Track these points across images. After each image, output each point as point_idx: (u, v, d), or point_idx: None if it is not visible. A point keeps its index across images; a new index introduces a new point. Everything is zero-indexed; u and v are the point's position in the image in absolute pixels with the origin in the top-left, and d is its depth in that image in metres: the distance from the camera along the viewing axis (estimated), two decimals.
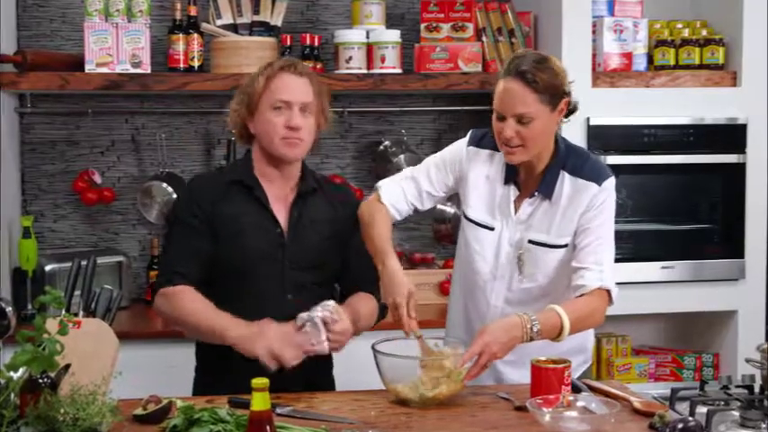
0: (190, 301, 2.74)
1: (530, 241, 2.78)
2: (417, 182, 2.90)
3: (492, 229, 2.82)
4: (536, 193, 2.77)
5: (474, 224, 2.86)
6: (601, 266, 2.71)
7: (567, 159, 2.78)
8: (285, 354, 2.62)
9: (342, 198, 3.00)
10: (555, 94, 2.66)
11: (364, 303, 2.88)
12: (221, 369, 2.77)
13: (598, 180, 2.75)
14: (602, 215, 2.75)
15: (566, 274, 2.77)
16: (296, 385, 2.69)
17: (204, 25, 4.07)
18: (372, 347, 2.63)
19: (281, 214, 2.86)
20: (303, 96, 2.80)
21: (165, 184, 4.19)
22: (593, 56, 4.05)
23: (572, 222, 2.75)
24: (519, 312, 2.61)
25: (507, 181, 2.81)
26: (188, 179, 4.26)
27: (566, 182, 2.76)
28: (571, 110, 2.76)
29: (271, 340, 2.62)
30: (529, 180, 2.80)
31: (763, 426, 2.39)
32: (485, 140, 2.85)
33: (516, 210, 2.81)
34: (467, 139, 2.89)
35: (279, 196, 2.87)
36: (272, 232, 2.83)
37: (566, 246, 2.77)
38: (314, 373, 2.82)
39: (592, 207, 2.74)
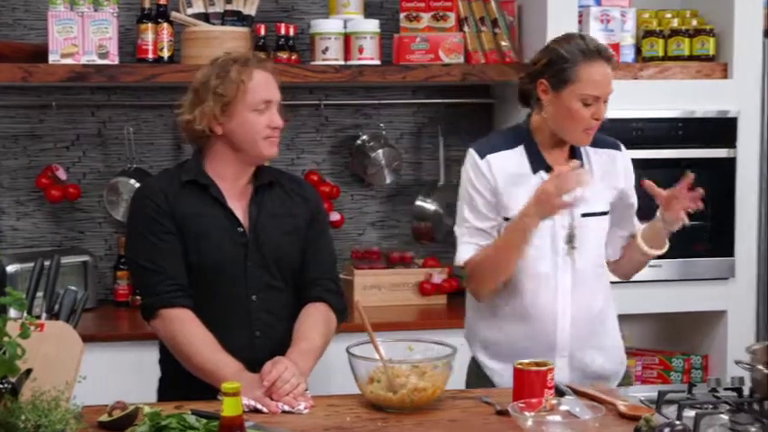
0: (191, 335, 2.71)
1: (582, 215, 2.85)
2: (482, 229, 2.87)
3: None
4: None
5: None
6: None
7: None
8: (271, 406, 2.56)
9: (299, 191, 2.95)
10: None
11: (313, 328, 2.80)
12: (188, 377, 2.73)
13: (617, 146, 2.98)
14: (632, 177, 3.00)
15: (604, 242, 2.94)
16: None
17: (174, 14, 4.01)
18: (347, 351, 2.59)
19: (240, 212, 2.82)
20: (277, 94, 2.82)
21: (132, 181, 4.11)
22: None
23: (610, 189, 2.92)
24: (587, 299, 2.85)
25: (536, 170, 2.85)
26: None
27: (590, 153, 2.92)
28: None
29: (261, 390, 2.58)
30: (555, 161, 2.86)
31: (753, 429, 2.39)
32: (491, 146, 2.89)
33: None
34: (473, 156, 2.88)
35: (234, 193, 2.83)
36: (234, 231, 2.80)
37: (607, 212, 2.92)
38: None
39: (627, 171, 2.97)
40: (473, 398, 2.62)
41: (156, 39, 3.95)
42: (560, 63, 2.77)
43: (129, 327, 3.86)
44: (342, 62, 4.02)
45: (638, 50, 4.13)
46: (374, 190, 4.44)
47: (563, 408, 2.40)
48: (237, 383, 2.02)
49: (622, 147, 2.99)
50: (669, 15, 4.18)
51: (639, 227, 2.97)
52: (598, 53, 2.77)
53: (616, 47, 4.01)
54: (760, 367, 2.48)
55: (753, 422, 2.39)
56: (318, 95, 4.33)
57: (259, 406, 2.52)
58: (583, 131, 2.81)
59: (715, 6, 4.12)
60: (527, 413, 2.34)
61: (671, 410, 2.50)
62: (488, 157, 2.85)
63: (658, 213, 2.85)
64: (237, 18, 4.04)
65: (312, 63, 4.05)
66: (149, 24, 3.95)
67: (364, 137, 4.38)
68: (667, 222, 2.83)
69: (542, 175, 2.82)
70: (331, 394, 2.69)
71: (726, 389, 2.61)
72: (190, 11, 4.03)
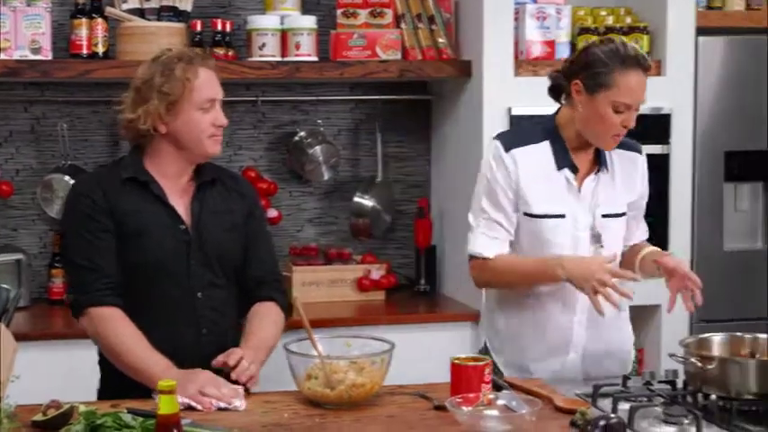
0: (121, 335, 2.68)
1: (603, 216, 2.87)
2: (498, 221, 2.87)
3: (563, 216, 2.83)
4: (598, 169, 2.88)
5: (542, 218, 2.85)
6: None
7: None
8: (205, 403, 2.55)
9: (236, 187, 2.93)
10: None
11: (266, 325, 2.82)
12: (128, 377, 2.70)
13: (638, 149, 2.99)
14: (647, 181, 3.02)
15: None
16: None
17: (109, 9, 3.96)
18: (285, 347, 2.58)
19: (182, 209, 2.79)
20: (221, 91, 2.81)
21: (67, 177, 4.06)
22: (516, 44, 4.01)
23: (631, 191, 2.94)
24: None
25: (561, 167, 2.85)
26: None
27: (613, 155, 2.91)
28: None
29: (200, 383, 2.55)
30: (581, 161, 2.88)
31: (686, 421, 2.40)
32: (517, 139, 2.89)
33: (579, 190, 2.87)
34: (498, 147, 2.87)
35: (176, 191, 2.80)
36: (176, 229, 2.77)
37: (626, 213, 2.94)
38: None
39: (644, 175, 2.99)
40: (411, 393, 2.62)
41: (90, 34, 3.91)
42: (598, 67, 2.75)
43: (63, 325, 3.80)
44: (279, 58, 4.00)
45: (574, 47, 4.11)
46: (312, 186, 4.43)
47: (500, 402, 2.41)
48: (173, 381, 2.00)
49: (642, 149, 3.00)
50: (604, 13, 4.19)
51: (642, 238, 3.01)
52: (636, 61, 2.75)
53: (551, 44, 4.04)
54: (693, 360, 2.51)
55: (686, 414, 2.41)
56: (255, 92, 4.30)
57: (193, 403, 2.50)
58: (611, 137, 2.80)
59: (649, 4, 4.15)
60: (465, 408, 2.35)
61: (606, 403, 2.51)
62: (513, 151, 2.84)
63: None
64: (173, 14, 4.01)
65: (249, 59, 4.03)
66: (83, 19, 3.91)
67: (302, 133, 4.35)
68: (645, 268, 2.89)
69: (566, 173, 2.84)
70: (268, 391, 2.68)
71: (660, 382, 2.64)
72: (125, 6, 3.99)
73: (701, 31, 4.13)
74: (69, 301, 2.79)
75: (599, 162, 2.88)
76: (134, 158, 2.81)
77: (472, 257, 2.90)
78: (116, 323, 2.68)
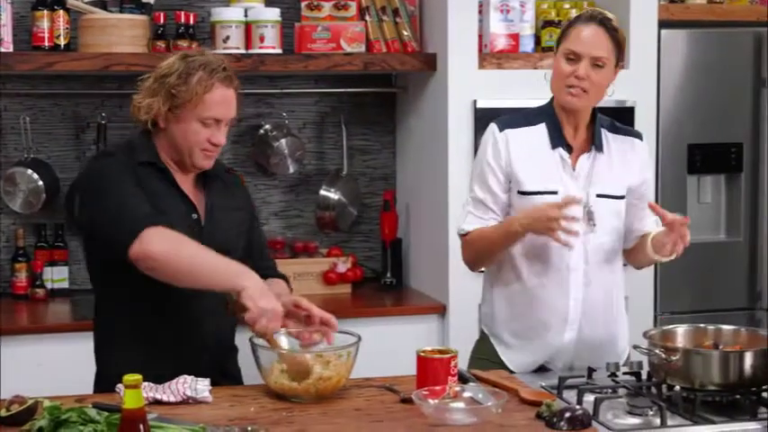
0: (195, 246, 2.58)
1: (597, 195, 2.88)
2: (485, 202, 2.90)
3: (555, 192, 2.83)
4: (592, 148, 2.90)
5: (533, 195, 2.86)
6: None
7: (602, 119, 2.96)
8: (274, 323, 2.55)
9: (235, 185, 2.95)
10: (621, 51, 2.86)
11: (284, 287, 2.89)
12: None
13: (638, 135, 3.02)
14: (649, 169, 3.06)
15: (622, 226, 2.95)
16: (211, 370, 2.64)
17: (70, 1, 3.93)
18: (250, 340, 2.57)
19: (194, 199, 2.77)
20: (232, 112, 2.75)
21: (30, 171, 4.03)
22: (480, 37, 4.03)
23: (629, 175, 2.94)
24: (600, 275, 2.88)
25: (555, 146, 2.88)
26: (55, 165, 4.16)
27: (609, 138, 2.94)
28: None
29: (278, 308, 2.55)
30: (575, 141, 2.90)
31: (651, 412, 2.41)
32: (514, 121, 2.93)
33: (573, 168, 2.89)
34: (494, 129, 2.91)
35: (183, 179, 2.77)
36: (189, 217, 2.74)
37: (624, 197, 2.93)
38: (225, 359, 2.84)
39: (644, 161, 3.01)
40: (378, 386, 2.62)
41: (52, 26, 3.87)
42: (563, 27, 2.90)
43: (27, 320, 3.79)
44: (243, 51, 3.99)
45: (538, 40, 4.16)
46: (277, 179, 4.42)
47: (466, 394, 2.42)
48: (138, 376, 1.97)
49: (643, 137, 3.02)
50: (567, 6, 4.21)
51: (653, 227, 2.94)
52: (590, 15, 2.84)
53: (516, 37, 4.05)
54: (657, 352, 2.52)
55: (650, 405, 2.43)
56: None
57: (159, 396, 2.48)
58: (565, 90, 2.82)
59: None
60: (431, 400, 2.35)
61: (571, 395, 2.53)
62: (507, 131, 2.89)
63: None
64: (135, 5, 3.99)
65: (213, 52, 3.97)
66: (45, 11, 3.87)
67: (267, 126, 4.35)
68: (659, 248, 2.85)
69: (561, 152, 2.86)
70: (235, 384, 2.68)
71: (624, 373, 2.65)
72: None
73: (664, 24, 4.17)
74: (118, 239, 2.58)
75: (593, 142, 2.90)
76: (147, 143, 2.76)
77: (460, 236, 2.94)
78: (183, 237, 2.59)
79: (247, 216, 2.92)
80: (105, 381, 2.74)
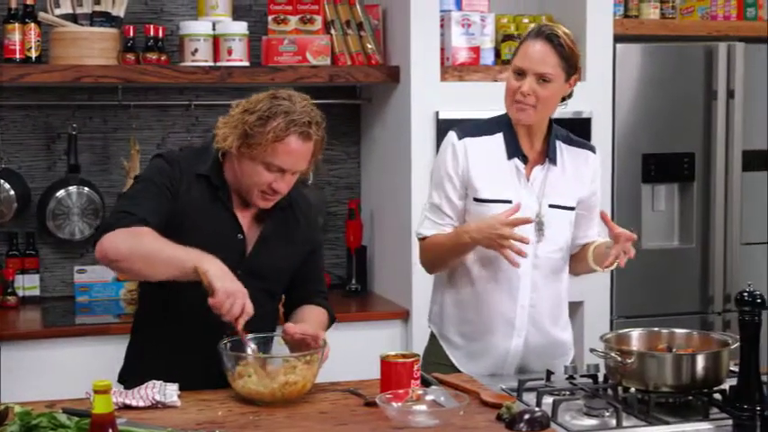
0: (154, 238, 2.56)
1: (549, 205, 2.91)
2: (441, 208, 2.94)
3: (509, 201, 2.86)
4: (546, 160, 2.92)
5: (488, 203, 2.90)
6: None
7: (558, 131, 2.98)
8: (239, 304, 2.52)
9: (306, 215, 2.93)
10: (572, 65, 2.86)
11: (317, 314, 2.87)
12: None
13: (591, 149, 3.05)
14: (599, 182, 3.06)
15: (570, 236, 2.98)
16: (208, 369, 2.65)
17: (42, 14, 3.96)
18: (218, 346, 2.58)
19: (244, 220, 2.78)
20: (301, 165, 2.72)
21: (1, 181, 4.04)
22: (442, 50, 4.07)
23: (581, 186, 2.97)
24: (547, 283, 2.92)
25: (511, 156, 2.91)
26: (27, 175, 4.18)
27: (564, 150, 2.97)
28: (569, 94, 2.93)
29: (242, 289, 2.54)
30: (530, 152, 2.93)
31: (607, 414, 2.44)
32: (472, 130, 2.95)
33: (527, 178, 2.92)
34: (453, 137, 2.94)
35: (242, 200, 2.78)
36: (233, 237, 2.75)
37: (574, 208, 2.96)
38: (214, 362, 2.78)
39: (596, 173, 3.03)
40: (343, 390, 2.64)
41: (23, 39, 3.89)
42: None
43: (1, 326, 3.76)
44: (211, 63, 4.02)
45: (498, 54, 4.21)
46: None
47: (429, 397, 2.45)
48: (108, 381, 1.97)
49: (597, 151, 3.05)
50: (526, 20, 4.26)
51: (596, 237, 3.00)
52: (538, 30, 2.85)
53: (476, 50, 4.10)
54: (613, 355, 2.54)
55: (607, 407, 2.45)
56: (189, 96, 4.32)
57: (128, 401, 2.47)
58: (513, 104, 2.85)
59: (569, 13, 4.22)
60: (394, 404, 2.39)
61: (531, 397, 2.54)
62: (466, 139, 2.91)
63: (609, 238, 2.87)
64: (106, 19, 4.00)
65: (182, 64, 4.03)
66: (17, 24, 3.89)
67: None
68: (600, 259, 2.90)
69: (516, 162, 2.89)
70: (202, 389, 2.67)
71: (582, 376, 2.68)
72: (58, 11, 3.98)
73: (619, 38, 4.24)
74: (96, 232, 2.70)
75: (547, 154, 2.93)
76: (215, 159, 2.76)
77: (419, 239, 2.99)
78: (149, 233, 2.58)
79: (304, 250, 2.88)
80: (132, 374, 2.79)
